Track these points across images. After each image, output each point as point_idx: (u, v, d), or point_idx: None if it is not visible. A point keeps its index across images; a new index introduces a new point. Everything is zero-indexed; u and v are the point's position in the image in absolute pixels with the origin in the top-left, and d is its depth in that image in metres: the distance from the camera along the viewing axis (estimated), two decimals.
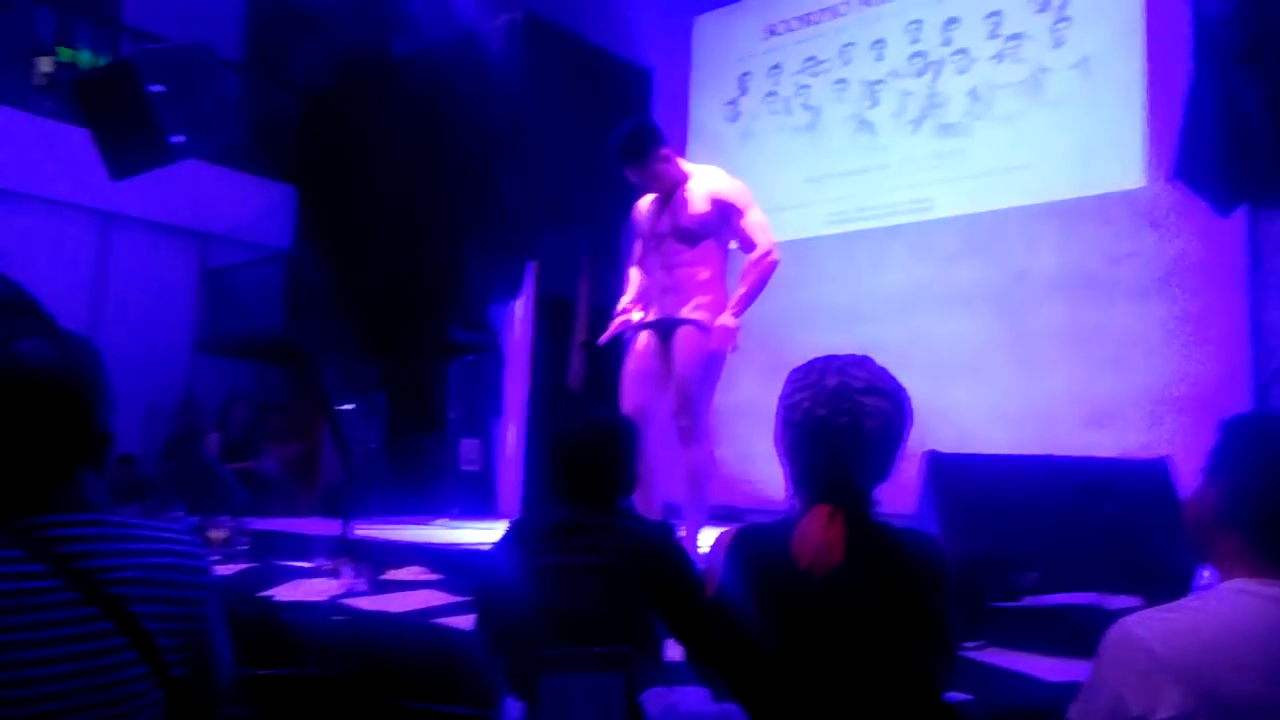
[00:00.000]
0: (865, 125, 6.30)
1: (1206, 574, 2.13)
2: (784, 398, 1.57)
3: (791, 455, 1.57)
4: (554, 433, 1.99)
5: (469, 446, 7.06)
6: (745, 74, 6.96)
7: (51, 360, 1.26)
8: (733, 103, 7.00)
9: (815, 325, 5.92)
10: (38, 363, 1.24)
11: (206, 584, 1.35)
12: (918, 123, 6.07)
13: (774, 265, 3.70)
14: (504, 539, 1.93)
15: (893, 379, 1.55)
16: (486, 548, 3.35)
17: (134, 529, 1.28)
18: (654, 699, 1.47)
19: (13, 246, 6.61)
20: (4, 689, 1.12)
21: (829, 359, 1.56)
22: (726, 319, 3.62)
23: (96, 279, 7.19)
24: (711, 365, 3.66)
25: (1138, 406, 4.99)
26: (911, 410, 1.55)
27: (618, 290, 4.78)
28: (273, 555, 3.93)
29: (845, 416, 1.49)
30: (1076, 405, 5.15)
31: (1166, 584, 2.18)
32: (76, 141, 4.91)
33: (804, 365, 1.58)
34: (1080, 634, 2.02)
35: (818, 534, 1.45)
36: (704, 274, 3.70)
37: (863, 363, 1.56)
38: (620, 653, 1.23)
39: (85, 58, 7.44)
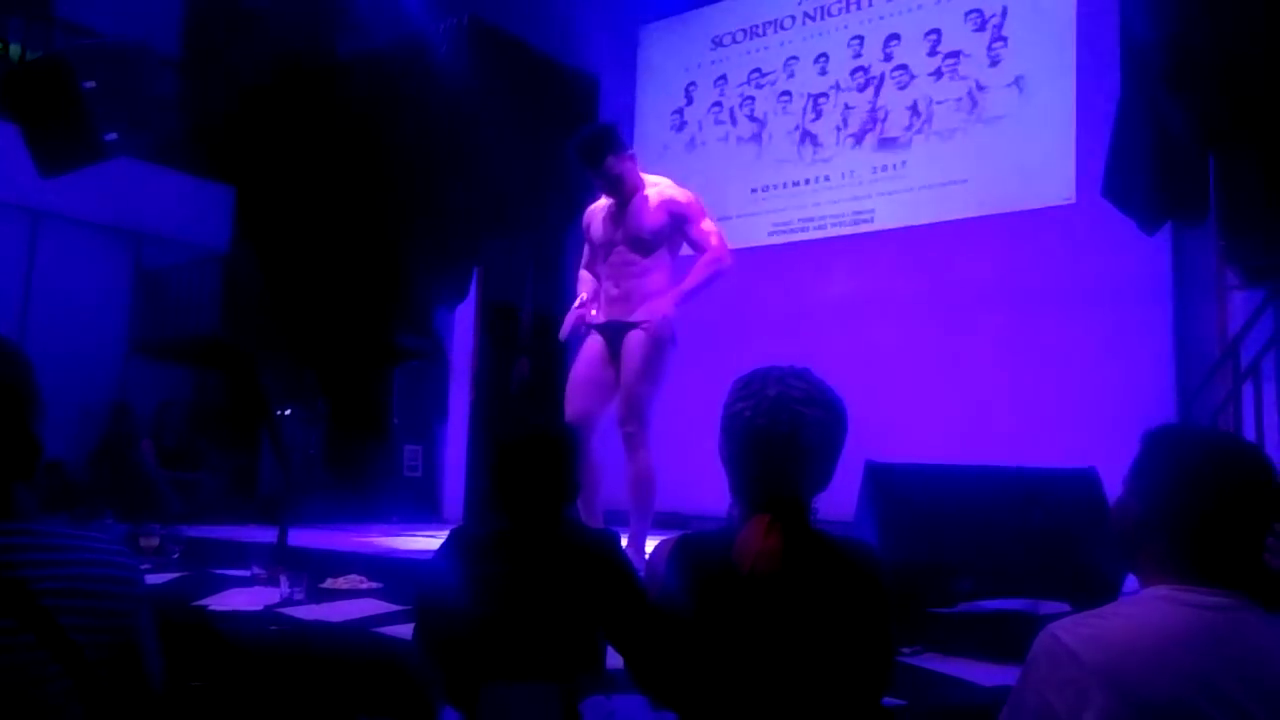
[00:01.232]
0: (809, 137, 6.40)
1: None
2: (725, 407, 1.59)
3: (732, 464, 1.58)
4: (495, 442, 1.99)
5: (412, 453, 6.99)
6: (691, 84, 7.02)
7: None
8: (679, 112, 7.05)
9: (758, 334, 5.99)
10: None
11: (137, 595, 1.33)
12: (859, 136, 6.18)
13: (725, 263, 3.72)
14: (445, 547, 1.91)
15: (831, 390, 1.58)
16: (427, 556, 3.32)
17: (62, 539, 1.25)
18: (593, 708, 1.47)
19: None
20: None
21: (769, 369, 1.58)
22: (661, 301, 3.61)
23: (24, 279, 6.98)
24: (658, 372, 3.67)
25: (1068, 416, 5.13)
26: (848, 421, 1.58)
27: (562, 297, 4.79)
28: (207, 563, 3.85)
29: (785, 426, 1.51)
30: (1010, 415, 5.28)
31: (1095, 590, 2.24)
32: (4, 137, 4.77)
33: (745, 375, 1.60)
34: (1012, 639, 2.07)
35: (757, 543, 1.47)
36: (654, 283, 3.71)
37: (802, 374, 1.58)
38: (559, 662, 1.23)
39: (15, 51, 7.22)
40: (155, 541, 3.86)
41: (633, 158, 3.75)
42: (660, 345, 3.64)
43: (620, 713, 1.40)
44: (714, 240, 3.71)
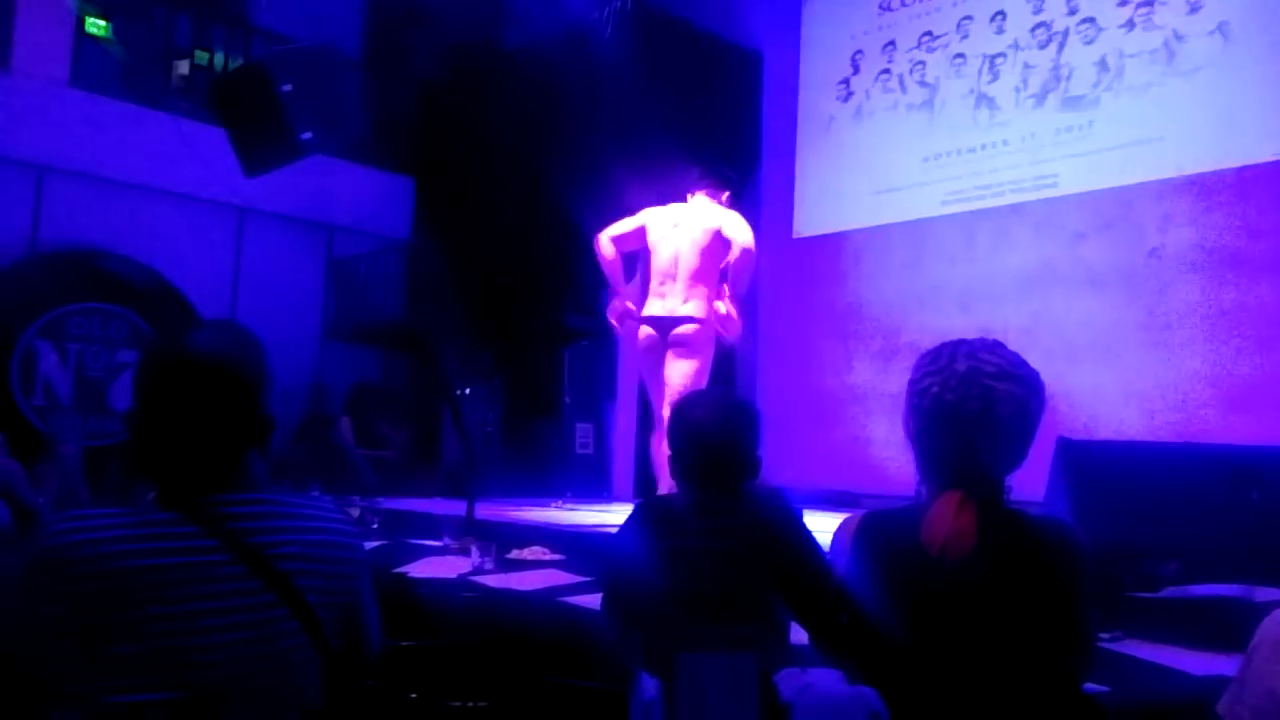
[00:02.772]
0: (985, 100, 6.11)
1: None
2: (912, 383, 1.55)
3: (920, 441, 1.55)
4: (676, 417, 2.01)
5: (583, 430, 7.18)
6: (858, 52, 6.83)
7: (224, 349, 1.35)
8: (845, 82, 6.88)
9: (933, 307, 5.80)
10: (212, 351, 1.33)
11: (359, 560, 1.44)
12: (1041, 96, 5.85)
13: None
14: (630, 520, 1.96)
15: (1026, 364, 1.52)
16: (607, 529, 3.41)
17: (296, 507, 1.37)
18: (788, 679, 1.48)
19: (155, 240, 7.03)
20: (181, 654, 1.22)
21: (958, 343, 1.54)
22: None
23: (233, 270, 7.59)
24: None
25: None
26: (1045, 396, 1.51)
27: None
28: (403, 534, 4.09)
29: (976, 402, 1.46)
30: (1214, 388, 4.91)
31: None
32: (212, 140, 5.16)
33: (933, 349, 1.56)
34: (1225, 626, 1.95)
35: (948, 521, 1.44)
36: None
37: (994, 347, 1.53)
38: (754, 633, 1.25)
39: (220, 60, 7.82)
40: (356, 513, 4.12)
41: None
42: None
43: (817, 685, 1.41)
44: None
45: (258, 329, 1.44)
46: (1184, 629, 2.26)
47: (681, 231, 4.30)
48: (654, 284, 4.29)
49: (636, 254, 4.56)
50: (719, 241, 4.24)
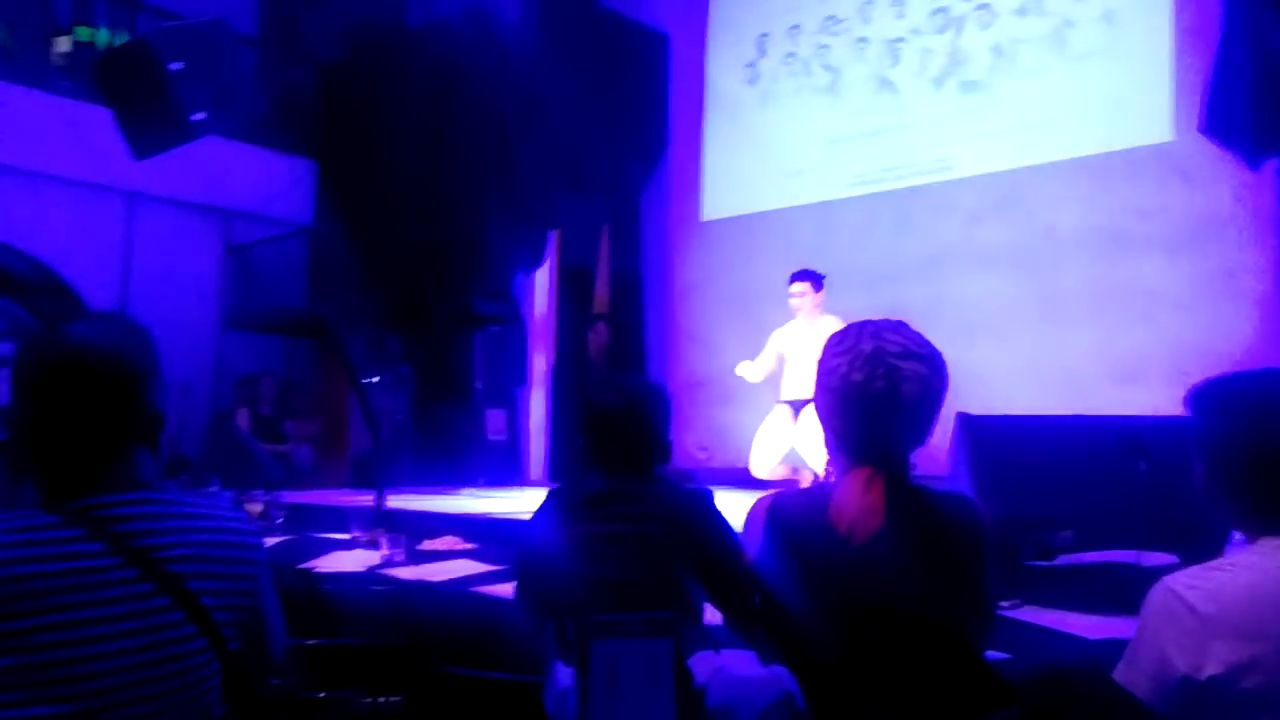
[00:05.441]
0: (886, 84, 6.23)
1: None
2: (821, 363, 1.57)
3: (828, 420, 1.57)
4: (586, 402, 2.00)
5: (495, 416, 7.11)
6: (764, 35, 6.88)
7: (107, 341, 1.27)
8: (751, 65, 6.93)
9: (838, 289, 5.88)
10: (94, 344, 1.26)
11: (258, 559, 1.38)
12: (940, 81, 6.00)
13: None
14: (543, 508, 1.94)
15: (929, 343, 1.55)
16: (520, 517, 3.38)
17: (187, 506, 1.31)
18: (701, 663, 1.49)
19: (38, 227, 6.67)
20: (68, 665, 1.16)
21: (865, 324, 1.56)
22: None
23: (123, 258, 7.25)
24: None
25: (1168, 363, 4.95)
26: (948, 374, 1.55)
27: (638, 259, 4.91)
28: (309, 528, 3.98)
29: (882, 381, 1.48)
30: (1105, 363, 5.13)
31: (1203, 542, 2.18)
32: (99, 121, 4.92)
33: (840, 330, 1.58)
34: (1116, 591, 2.03)
35: (856, 498, 1.46)
36: None
37: (899, 327, 1.55)
38: (668, 618, 1.25)
39: (104, 36, 7.43)
40: (259, 507, 3.99)
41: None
42: None
43: (729, 668, 1.42)
44: None
45: (151, 319, 1.37)
46: (1078, 595, 2.36)
47: (809, 343, 4.92)
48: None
49: None
50: None
